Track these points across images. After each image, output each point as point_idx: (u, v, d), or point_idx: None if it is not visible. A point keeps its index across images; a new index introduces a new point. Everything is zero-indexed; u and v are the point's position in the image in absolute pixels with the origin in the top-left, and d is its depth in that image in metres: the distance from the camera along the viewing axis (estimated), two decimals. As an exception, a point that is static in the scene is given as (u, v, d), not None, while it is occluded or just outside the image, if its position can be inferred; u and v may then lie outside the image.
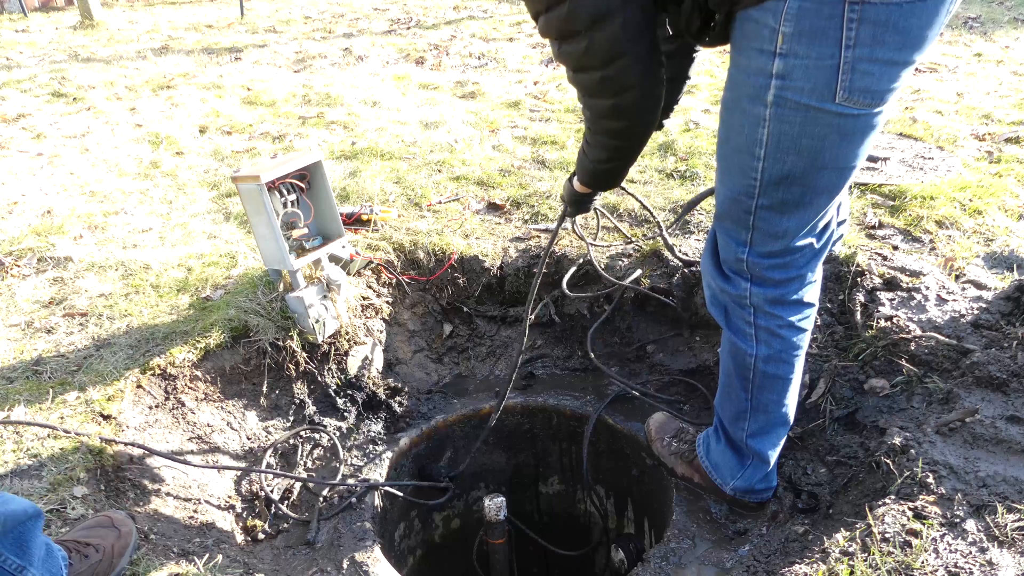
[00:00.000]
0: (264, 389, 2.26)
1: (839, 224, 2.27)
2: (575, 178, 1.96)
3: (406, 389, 2.48)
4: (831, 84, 1.32)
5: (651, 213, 2.41)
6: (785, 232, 1.55)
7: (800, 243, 1.58)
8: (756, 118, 1.43)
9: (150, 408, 2.03)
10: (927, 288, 2.20)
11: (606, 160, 1.73)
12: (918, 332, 2.03)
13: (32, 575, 1.32)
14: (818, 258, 1.65)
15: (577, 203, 2.05)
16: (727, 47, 1.49)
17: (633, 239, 2.65)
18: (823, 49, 1.30)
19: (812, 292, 1.69)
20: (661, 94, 1.54)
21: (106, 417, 1.91)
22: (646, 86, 1.49)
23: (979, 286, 2.22)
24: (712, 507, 1.98)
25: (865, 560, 1.46)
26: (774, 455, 1.84)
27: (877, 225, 2.62)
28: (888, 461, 1.71)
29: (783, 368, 1.72)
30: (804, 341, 1.72)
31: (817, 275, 1.69)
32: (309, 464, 2.22)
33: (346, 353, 2.41)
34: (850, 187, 2.88)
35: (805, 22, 1.28)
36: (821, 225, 1.59)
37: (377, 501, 2.13)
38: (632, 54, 1.43)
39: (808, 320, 1.71)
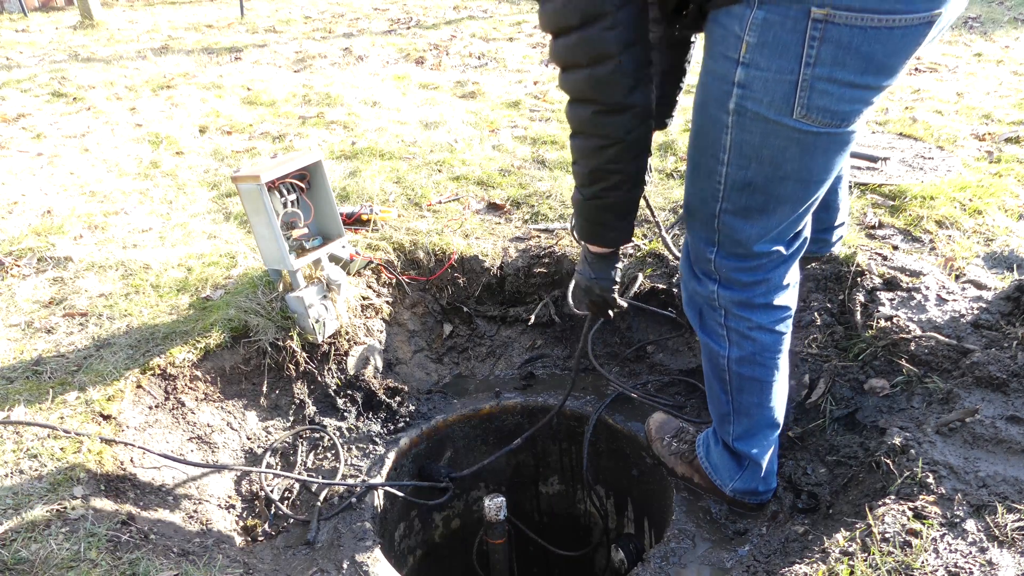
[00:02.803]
0: (264, 389, 2.26)
1: (838, 225, 2.27)
2: (576, 232, 1.74)
3: (406, 389, 2.48)
4: (789, 99, 1.31)
5: (652, 212, 2.41)
6: (747, 237, 1.53)
7: (765, 249, 1.56)
8: (720, 124, 1.42)
9: (150, 408, 2.03)
10: (927, 288, 2.20)
11: (590, 180, 1.55)
12: (918, 332, 2.03)
13: None
14: (787, 265, 1.63)
15: (597, 280, 1.76)
16: None
17: (633, 239, 2.65)
18: (783, 63, 1.28)
19: (784, 296, 1.66)
20: (646, 79, 1.44)
21: (106, 417, 1.91)
22: (626, 59, 1.38)
23: (979, 286, 2.22)
24: (712, 507, 1.98)
25: (865, 560, 1.46)
26: (766, 457, 1.83)
27: (877, 225, 2.61)
28: (888, 461, 1.71)
29: (759, 371, 1.71)
30: (781, 344, 1.70)
31: (789, 279, 1.66)
32: (309, 464, 2.22)
33: (346, 353, 2.41)
34: (850, 187, 2.89)
35: (769, 34, 1.27)
36: (791, 233, 1.57)
37: (377, 501, 2.12)
38: (613, 17, 1.34)
39: (783, 324, 1.68)
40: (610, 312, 1.90)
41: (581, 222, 1.70)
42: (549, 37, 1.46)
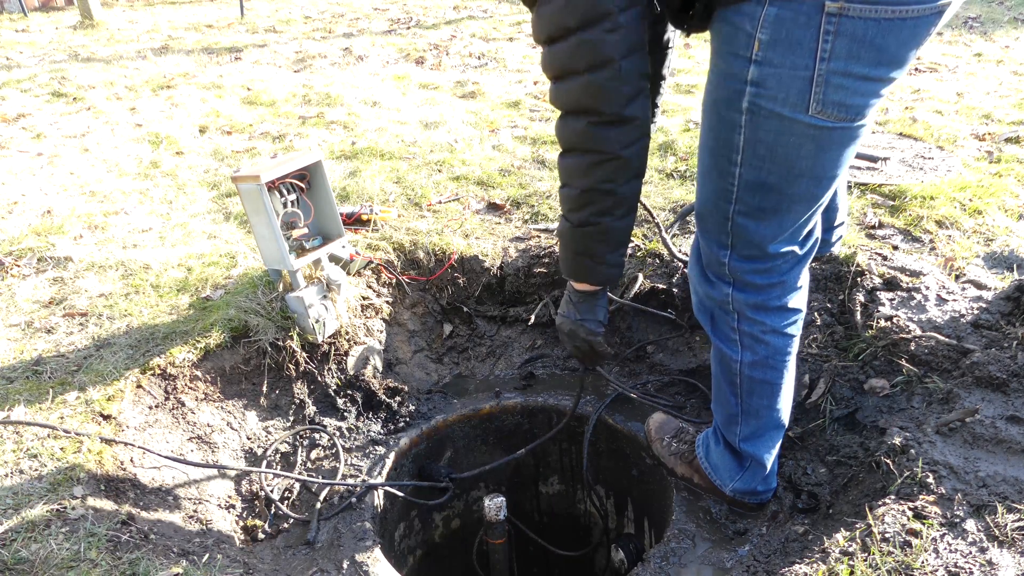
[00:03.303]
0: (264, 389, 2.26)
1: (838, 225, 2.27)
2: (561, 267, 1.66)
3: (406, 389, 2.48)
4: (804, 95, 1.30)
5: (650, 213, 2.41)
6: (762, 239, 1.52)
7: (780, 249, 1.54)
8: (732, 124, 1.41)
9: (150, 408, 2.03)
10: (927, 288, 2.20)
11: (580, 204, 1.49)
12: (918, 332, 2.03)
13: None
14: (801, 265, 1.62)
15: (582, 322, 1.69)
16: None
17: (633, 239, 2.65)
18: (798, 59, 1.28)
19: (797, 298, 1.65)
20: (645, 90, 1.42)
21: (106, 417, 1.91)
22: (626, 65, 1.34)
23: (979, 286, 2.22)
24: (712, 507, 1.98)
25: (865, 560, 1.46)
26: (770, 458, 1.83)
27: (877, 225, 2.62)
28: (888, 461, 1.71)
29: (770, 373, 1.70)
30: (792, 346, 1.70)
31: (802, 281, 1.65)
32: (309, 464, 2.22)
33: (346, 353, 2.41)
34: (850, 187, 2.89)
35: (782, 30, 1.27)
36: (803, 232, 1.56)
37: (377, 501, 2.12)
38: (615, 19, 1.30)
39: (795, 326, 1.68)
40: (596, 363, 1.81)
41: (567, 255, 1.61)
42: (541, 48, 1.41)
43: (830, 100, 1.30)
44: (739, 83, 1.36)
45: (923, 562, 1.41)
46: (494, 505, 2.31)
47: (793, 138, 1.37)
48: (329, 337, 2.34)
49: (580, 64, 1.35)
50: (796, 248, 1.57)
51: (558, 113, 1.49)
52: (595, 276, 1.63)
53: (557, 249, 2.64)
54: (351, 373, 2.41)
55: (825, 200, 1.52)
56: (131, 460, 1.88)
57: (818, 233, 1.62)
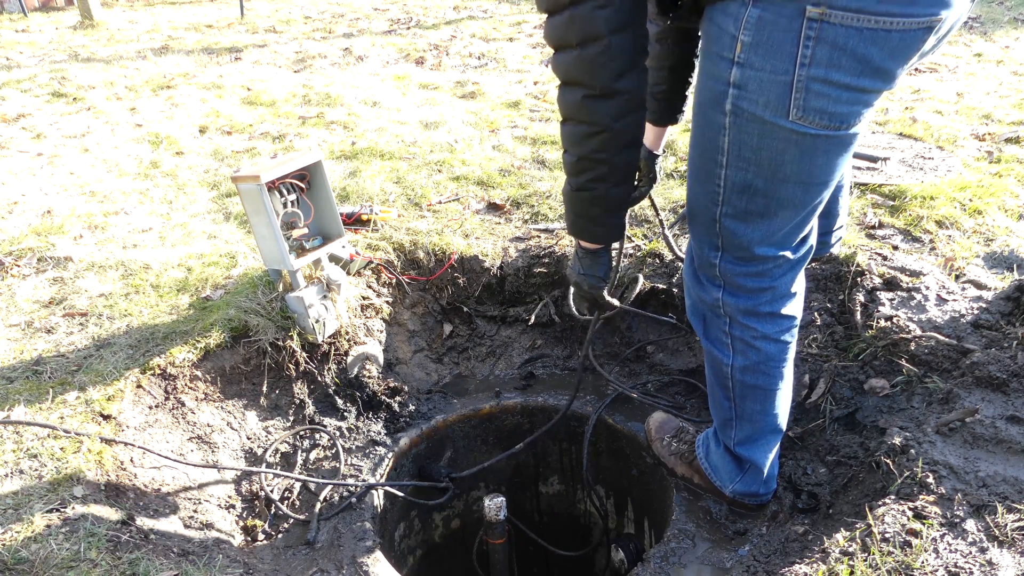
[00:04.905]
0: (264, 389, 2.26)
1: (837, 228, 2.27)
2: (566, 225, 1.73)
3: (406, 389, 2.48)
4: (784, 100, 1.29)
5: (656, 211, 2.40)
6: (751, 241, 1.51)
7: (769, 253, 1.53)
8: (717, 125, 1.40)
9: (150, 408, 2.03)
10: (927, 288, 2.20)
11: (577, 170, 1.53)
12: (918, 332, 2.03)
13: None
14: (794, 271, 1.60)
15: (585, 277, 1.75)
16: None
17: (633, 238, 2.65)
18: (778, 63, 1.26)
19: (791, 305, 1.64)
20: (637, 65, 1.42)
21: (106, 417, 1.91)
22: (616, 41, 1.35)
23: (979, 286, 2.22)
24: (712, 507, 1.98)
25: (865, 560, 1.46)
26: (767, 461, 1.82)
27: (877, 225, 2.62)
28: (888, 461, 1.71)
29: (763, 379, 1.69)
30: (786, 353, 1.68)
31: (796, 287, 1.63)
32: (309, 464, 2.22)
33: (346, 353, 2.41)
34: (850, 187, 2.88)
35: (763, 33, 1.25)
36: (796, 238, 1.54)
37: (377, 501, 2.12)
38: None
39: (788, 333, 1.66)
40: (599, 312, 1.87)
41: (570, 215, 1.68)
42: (544, 17, 1.45)
43: (811, 107, 1.28)
44: (722, 85, 1.35)
45: (923, 562, 1.41)
46: (494, 505, 2.31)
47: (776, 142, 1.35)
48: (329, 337, 2.34)
49: (572, 38, 1.38)
50: (788, 253, 1.55)
51: (559, 109, 1.52)
52: (595, 236, 1.71)
53: (557, 246, 2.64)
54: (351, 373, 2.41)
55: (819, 206, 1.50)
56: (131, 460, 1.88)
57: (813, 240, 1.60)
